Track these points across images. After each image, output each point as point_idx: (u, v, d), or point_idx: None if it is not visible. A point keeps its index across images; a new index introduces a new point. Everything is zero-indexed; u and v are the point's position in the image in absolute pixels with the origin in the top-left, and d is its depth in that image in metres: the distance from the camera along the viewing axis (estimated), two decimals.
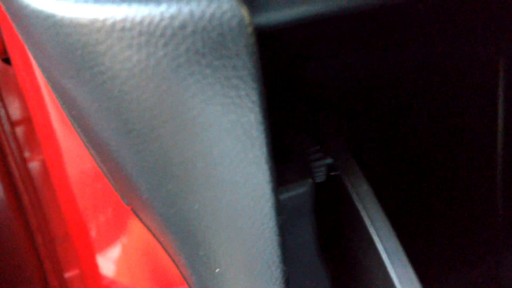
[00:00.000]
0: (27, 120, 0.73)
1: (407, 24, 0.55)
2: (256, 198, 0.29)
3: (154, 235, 0.48)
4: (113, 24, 0.23)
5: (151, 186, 0.30)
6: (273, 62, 0.45)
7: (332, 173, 0.41)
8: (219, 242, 0.30)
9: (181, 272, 0.49)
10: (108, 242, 0.63)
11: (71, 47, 0.24)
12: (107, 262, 0.64)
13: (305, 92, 0.48)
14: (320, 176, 0.41)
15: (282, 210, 0.38)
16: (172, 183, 0.28)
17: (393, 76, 0.62)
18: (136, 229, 0.62)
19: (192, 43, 0.23)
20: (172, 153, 0.27)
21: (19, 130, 0.75)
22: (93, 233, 0.63)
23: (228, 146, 0.26)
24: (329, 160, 0.41)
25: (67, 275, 0.81)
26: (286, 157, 0.40)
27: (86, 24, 0.23)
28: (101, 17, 0.23)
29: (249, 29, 0.24)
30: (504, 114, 0.69)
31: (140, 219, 0.48)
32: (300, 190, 0.38)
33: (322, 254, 0.46)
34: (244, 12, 0.24)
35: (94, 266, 0.65)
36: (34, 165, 0.75)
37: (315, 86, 0.54)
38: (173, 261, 0.49)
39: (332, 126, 0.44)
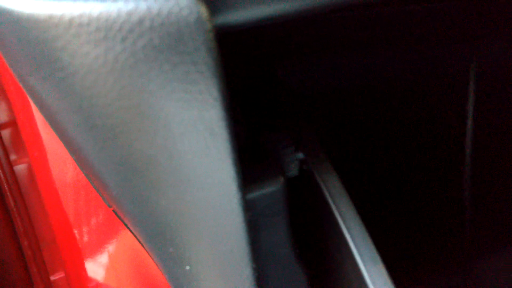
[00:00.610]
0: (13, 122, 0.73)
1: (374, 28, 0.56)
2: (221, 195, 0.29)
3: (135, 236, 0.49)
4: (71, 20, 0.23)
5: (118, 183, 0.30)
6: (245, 61, 0.45)
7: (304, 168, 0.41)
8: (187, 239, 0.30)
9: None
10: (94, 245, 0.63)
11: (31, 43, 0.25)
12: (93, 266, 0.65)
13: (279, 91, 0.48)
14: (292, 171, 0.41)
15: (252, 208, 0.38)
16: (138, 180, 0.28)
17: (365, 78, 0.63)
18: (122, 233, 0.62)
19: (150, 39, 0.23)
20: (135, 149, 0.27)
21: (5, 133, 0.75)
22: (79, 236, 0.64)
23: (191, 143, 0.26)
24: (300, 155, 0.41)
25: (53, 278, 0.81)
26: (258, 152, 0.41)
27: (44, 20, 0.23)
28: (58, 12, 0.23)
29: (208, 25, 0.24)
30: (473, 120, 0.70)
31: (121, 220, 0.48)
32: (271, 188, 0.38)
33: (297, 253, 0.46)
34: (202, 8, 0.24)
35: (80, 269, 0.65)
36: (20, 168, 0.75)
37: (290, 85, 0.55)
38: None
39: (305, 122, 0.44)
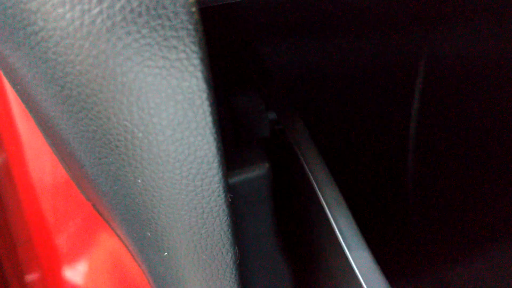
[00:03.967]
0: None
1: (334, 17, 0.57)
2: (202, 173, 0.28)
3: (116, 233, 0.47)
4: None
5: (93, 161, 0.28)
6: (225, 36, 0.45)
7: (276, 128, 0.41)
8: (165, 221, 0.29)
9: (146, 276, 0.48)
10: (72, 246, 0.62)
11: (1, 6, 0.23)
12: (70, 267, 0.63)
13: (257, 67, 0.48)
14: (263, 132, 0.40)
15: (236, 194, 0.37)
16: (113, 156, 0.27)
17: (330, 63, 0.64)
18: (101, 234, 0.61)
19: (128, 1, 0.23)
20: (110, 122, 0.26)
21: None
22: (56, 236, 0.62)
23: (169, 115, 0.25)
24: (272, 115, 0.40)
25: (29, 278, 0.80)
26: (242, 139, 0.40)
27: None
28: None
29: None
30: (417, 113, 0.71)
31: (101, 215, 0.47)
32: (256, 173, 0.37)
33: (281, 245, 0.45)
34: None
35: (57, 270, 0.64)
36: None
37: (271, 66, 0.55)
38: (137, 262, 0.48)
39: (277, 85, 0.44)
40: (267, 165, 0.38)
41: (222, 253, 0.32)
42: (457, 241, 0.80)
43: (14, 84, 0.30)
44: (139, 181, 0.28)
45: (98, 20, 0.23)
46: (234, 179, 0.37)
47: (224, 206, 0.30)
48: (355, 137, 0.74)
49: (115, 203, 0.30)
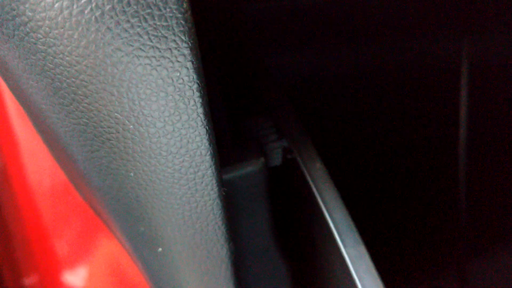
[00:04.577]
0: None
1: (363, 18, 0.56)
2: (194, 166, 0.28)
3: (113, 233, 0.47)
4: None
5: (86, 155, 0.28)
6: (229, 44, 0.45)
7: (288, 157, 0.40)
8: (158, 215, 0.29)
9: (143, 275, 0.48)
10: (69, 248, 0.62)
11: None
12: (68, 269, 0.63)
13: (262, 78, 0.47)
14: (275, 160, 0.40)
15: (231, 189, 0.37)
16: (105, 149, 0.27)
17: (358, 71, 0.63)
18: (100, 236, 0.61)
19: None
20: (101, 114, 0.25)
21: None
22: (53, 239, 0.63)
23: (160, 106, 0.25)
24: (284, 142, 0.40)
25: (27, 281, 0.79)
26: (238, 138, 0.39)
27: None
28: None
29: None
30: (466, 117, 0.70)
31: (98, 214, 0.47)
32: (251, 169, 0.36)
33: (279, 244, 0.45)
34: None
35: (54, 273, 0.64)
36: None
37: (275, 72, 0.55)
38: (134, 262, 0.48)
39: (288, 107, 0.43)
40: (262, 160, 0.38)
41: (217, 248, 0.32)
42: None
43: (6, 79, 0.30)
44: (131, 174, 0.28)
45: (87, 10, 0.22)
46: (228, 175, 0.36)
47: (218, 200, 0.30)
48: (393, 145, 0.72)
49: (108, 198, 0.30)
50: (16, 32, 0.24)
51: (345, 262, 0.35)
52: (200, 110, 0.26)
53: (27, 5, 0.23)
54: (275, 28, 0.54)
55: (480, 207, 0.77)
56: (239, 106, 0.42)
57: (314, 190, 0.38)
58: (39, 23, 0.23)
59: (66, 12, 0.23)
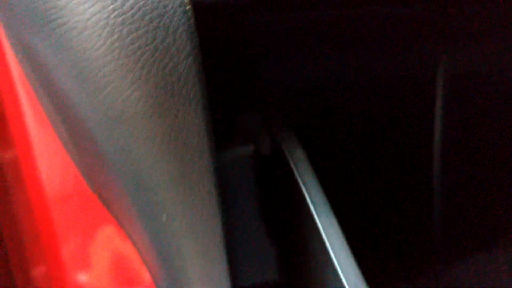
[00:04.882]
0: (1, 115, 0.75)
1: (351, 35, 0.61)
2: (191, 139, 0.34)
3: (122, 226, 0.53)
4: None
5: (104, 134, 0.34)
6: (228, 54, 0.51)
7: (275, 147, 0.46)
8: (162, 182, 0.34)
9: (147, 267, 0.53)
10: (77, 242, 0.65)
11: (35, 3, 0.29)
12: (75, 262, 0.65)
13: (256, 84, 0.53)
14: (264, 149, 0.46)
15: (225, 172, 0.43)
16: (121, 128, 0.33)
17: (343, 80, 0.68)
18: (107, 232, 0.62)
19: (135, 1, 0.29)
20: (120, 98, 0.31)
21: None
22: (62, 232, 0.64)
23: (166, 92, 0.31)
24: (272, 134, 0.46)
25: (34, 272, 0.80)
26: (232, 131, 0.45)
27: None
28: None
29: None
30: (441, 121, 0.75)
31: (106, 206, 0.52)
32: (242, 154, 0.42)
33: (269, 227, 0.50)
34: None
35: (62, 265, 0.66)
36: (5, 162, 0.76)
37: (269, 79, 0.60)
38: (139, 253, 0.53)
39: (278, 110, 0.49)
40: (252, 147, 0.43)
41: (210, 215, 0.37)
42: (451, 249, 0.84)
43: (35, 71, 0.36)
44: (142, 151, 0.34)
45: (113, 15, 0.29)
46: (222, 159, 0.42)
47: (210, 168, 0.35)
48: (374, 151, 0.77)
49: (120, 170, 0.36)
50: (54, 32, 0.30)
51: (316, 226, 0.40)
52: (197, 88, 0.32)
53: (65, 10, 0.29)
54: (268, 38, 0.60)
55: (454, 214, 0.82)
56: (233, 104, 0.48)
57: (297, 175, 0.43)
58: (74, 25, 0.29)
59: (96, 17, 0.29)
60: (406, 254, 0.80)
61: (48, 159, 0.63)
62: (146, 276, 0.57)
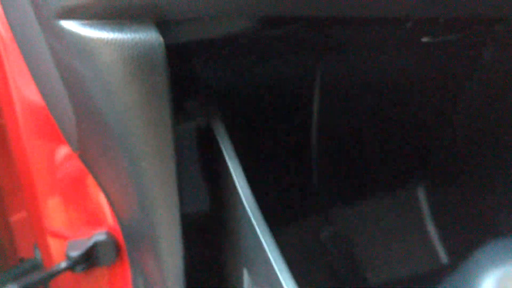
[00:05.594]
0: None
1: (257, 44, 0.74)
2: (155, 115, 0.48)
3: (99, 183, 0.62)
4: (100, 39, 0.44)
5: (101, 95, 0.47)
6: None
7: (202, 126, 0.61)
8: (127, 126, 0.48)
9: (116, 212, 0.63)
10: (54, 189, 0.71)
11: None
12: (52, 208, 0.71)
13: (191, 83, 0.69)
14: (200, 124, 0.60)
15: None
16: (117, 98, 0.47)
17: (251, 83, 0.86)
18: (81, 184, 0.69)
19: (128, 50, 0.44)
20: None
21: None
22: (40, 180, 0.70)
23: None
24: (206, 114, 0.60)
25: (13, 218, 0.89)
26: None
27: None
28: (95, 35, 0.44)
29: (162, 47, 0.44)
30: (317, 118, 0.92)
31: (87, 165, 0.62)
32: (185, 126, 0.63)
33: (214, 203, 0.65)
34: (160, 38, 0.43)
35: (40, 211, 0.71)
36: None
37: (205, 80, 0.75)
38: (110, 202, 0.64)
39: (211, 98, 0.65)
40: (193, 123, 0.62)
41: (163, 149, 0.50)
42: None
43: (75, 84, 0.51)
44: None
45: (117, 54, 0.43)
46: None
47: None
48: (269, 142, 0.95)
49: (104, 115, 0.48)
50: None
51: (232, 179, 0.56)
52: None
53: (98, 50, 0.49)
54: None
55: (329, 171, 1.05)
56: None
57: (222, 146, 0.58)
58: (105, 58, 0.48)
59: (110, 57, 0.44)
60: (292, 198, 1.02)
61: (30, 116, 0.68)
62: (112, 220, 0.66)
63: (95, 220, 0.68)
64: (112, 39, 0.45)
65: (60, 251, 0.68)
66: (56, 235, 0.72)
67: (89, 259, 0.66)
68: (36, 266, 0.77)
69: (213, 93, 0.66)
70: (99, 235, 0.66)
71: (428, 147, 1.06)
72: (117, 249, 0.66)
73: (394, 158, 1.07)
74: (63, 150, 0.68)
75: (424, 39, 0.73)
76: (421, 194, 1.12)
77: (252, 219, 0.55)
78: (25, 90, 0.67)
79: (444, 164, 1.07)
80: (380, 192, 1.10)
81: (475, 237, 0.60)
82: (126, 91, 0.47)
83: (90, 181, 0.65)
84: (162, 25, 0.45)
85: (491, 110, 0.94)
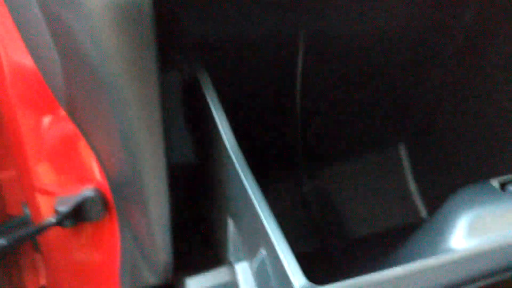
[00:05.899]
0: None
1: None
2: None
3: (85, 136, 0.63)
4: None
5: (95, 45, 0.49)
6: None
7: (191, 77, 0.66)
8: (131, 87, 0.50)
9: (103, 166, 0.64)
10: (41, 145, 0.71)
11: None
12: (41, 167, 0.72)
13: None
14: (185, 76, 0.65)
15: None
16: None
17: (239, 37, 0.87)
18: (71, 143, 0.69)
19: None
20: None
21: None
22: (27, 137, 0.70)
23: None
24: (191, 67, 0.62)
25: (1, 176, 0.89)
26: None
27: None
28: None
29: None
30: (301, 75, 0.94)
31: (75, 122, 0.63)
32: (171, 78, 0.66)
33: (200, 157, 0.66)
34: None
35: (28, 170, 0.72)
36: None
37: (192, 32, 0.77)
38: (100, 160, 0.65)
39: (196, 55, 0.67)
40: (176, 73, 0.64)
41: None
42: None
43: (63, 36, 0.56)
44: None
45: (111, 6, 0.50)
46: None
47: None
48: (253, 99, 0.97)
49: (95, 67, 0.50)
50: (80, 8, 0.50)
51: (218, 130, 0.57)
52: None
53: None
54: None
55: (311, 132, 1.07)
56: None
57: (207, 96, 0.60)
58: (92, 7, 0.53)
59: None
60: (276, 153, 1.05)
61: (19, 75, 0.68)
62: (100, 176, 0.67)
63: (83, 177, 0.69)
64: None
65: (49, 208, 0.68)
66: (45, 192, 0.72)
67: (77, 215, 0.66)
68: (24, 223, 0.77)
69: (199, 45, 0.67)
70: (88, 191, 0.67)
71: (408, 105, 1.09)
72: (106, 204, 0.67)
73: (376, 117, 1.09)
74: (52, 110, 0.68)
75: None
76: (402, 151, 1.15)
77: (237, 167, 0.56)
78: (13, 49, 0.67)
79: (423, 121, 1.10)
80: (363, 150, 1.13)
81: (453, 190, 0.59)
82: (113, 38, 0.47)
83: (79, 138, 0.65)
84: None
85: (466, 68, 0.97)
